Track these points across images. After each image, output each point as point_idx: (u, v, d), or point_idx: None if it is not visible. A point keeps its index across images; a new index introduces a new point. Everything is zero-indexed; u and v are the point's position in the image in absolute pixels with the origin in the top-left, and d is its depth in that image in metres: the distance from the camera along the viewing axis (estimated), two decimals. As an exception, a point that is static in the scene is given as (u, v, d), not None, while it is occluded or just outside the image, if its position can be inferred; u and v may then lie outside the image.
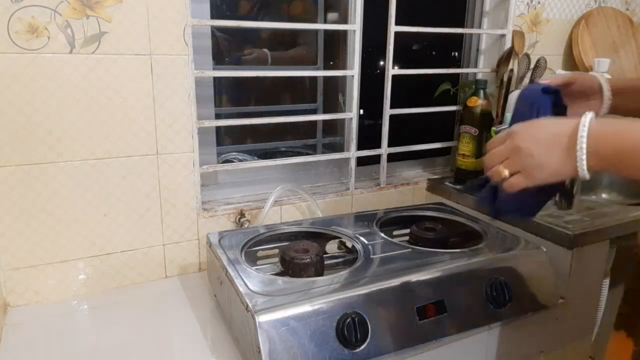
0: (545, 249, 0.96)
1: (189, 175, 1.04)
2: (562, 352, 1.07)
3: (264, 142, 1.45)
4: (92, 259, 0.98)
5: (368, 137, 1.33)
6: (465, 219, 1.11)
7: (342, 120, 1.34)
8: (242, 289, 0.76)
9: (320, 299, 0.74)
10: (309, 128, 1.49)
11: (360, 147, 1.27)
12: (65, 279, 0.96)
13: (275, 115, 1.20)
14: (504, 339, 0.92)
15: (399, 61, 1.28)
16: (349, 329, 0.72)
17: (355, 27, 1.19)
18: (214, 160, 1.17)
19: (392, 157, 1.35)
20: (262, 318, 0.69)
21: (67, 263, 0.96)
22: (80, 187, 0.94)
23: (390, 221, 1.11)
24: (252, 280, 0.79)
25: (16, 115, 0.86)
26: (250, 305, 0.71)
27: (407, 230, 1.07)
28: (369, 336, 0.74)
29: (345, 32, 1.28)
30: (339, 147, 1.38)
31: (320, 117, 1.39)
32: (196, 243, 1.08)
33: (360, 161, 1.31)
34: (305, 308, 0.72)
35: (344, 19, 1.28)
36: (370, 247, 0.93)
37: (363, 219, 1.09)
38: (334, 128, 1.45)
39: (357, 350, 0.73)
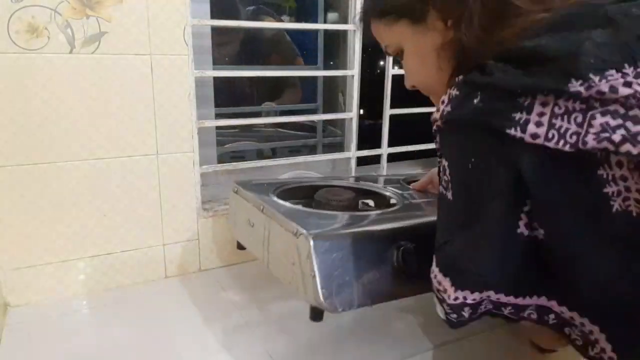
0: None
1: (189, 175, 1.04)
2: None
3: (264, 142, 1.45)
4: (92, 259, 0.98)
5: (368, 137, 1.33)
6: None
7: (342, 120, 1.34)
8: (286, 217, 0.72)
9: (375, 226, 0.72)
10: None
11: (360, 147, 1.27)
12: (65, 279, 0.96)
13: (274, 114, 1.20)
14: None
15: (399, 61, 1.28)
16: (405, 257, 0.69)
17: (355, 27, 1.19)
18: (214, 160, 1.17)
19: (392, 157, 1.35)
20: (316, 239, 0.66)
21: (67, 263, 0.96)
22: (80, 187, 0.94)
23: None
24: (292, 213, 0.75)
25: (16, 115, 0.86)
26: (302, 229, 0.67)
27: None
28: (424, 266, 0.69)
29: (345, 32, 1.28)
30: (339, 147, 1.38)
31: (320, 117, 1.39)
32: (196, 243, 1.08)
33: (361, 161, 1.31)
34: (360, 234, 0.69)
35: (344, 19, 1.28)
36: (407, 195, 0.91)
37: (389, 181, 1.04)
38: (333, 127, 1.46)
39: (413, 279, 0.70)
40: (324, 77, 1.42)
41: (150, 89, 0.96)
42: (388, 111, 1.28)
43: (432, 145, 1.37)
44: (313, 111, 1.51)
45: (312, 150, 1.49)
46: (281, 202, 0.81)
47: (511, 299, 0.55)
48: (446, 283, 0.57)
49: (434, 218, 0.69)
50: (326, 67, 1.41)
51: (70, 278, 0.96)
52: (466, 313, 0.57)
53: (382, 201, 0.95)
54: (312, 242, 0.65)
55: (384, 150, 1.31)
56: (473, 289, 0.55)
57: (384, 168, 1.32)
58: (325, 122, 1.47)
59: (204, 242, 1.08)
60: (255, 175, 1.22)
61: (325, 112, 1.45)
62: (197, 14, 1.02)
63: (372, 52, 1.42)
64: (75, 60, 0.88)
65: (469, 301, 0.56)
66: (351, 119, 1.25)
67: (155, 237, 1.03)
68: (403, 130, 1.37)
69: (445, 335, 0.81)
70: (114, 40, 0.90)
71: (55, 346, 0.82)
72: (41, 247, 0.93)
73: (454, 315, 0.58)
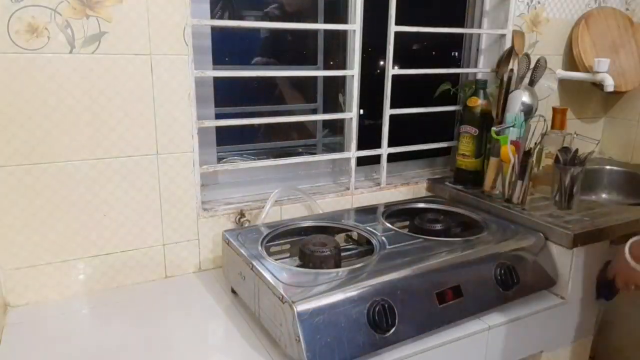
0: (542, 234, 1.02)
1: (189, 175, 1.04)
2: (562, 352, 1.07)
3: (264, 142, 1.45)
4: (92, 259, 0.98)
5: (368, 137, 1.33)
6: (464, 209, 1.16)
7: (342, 120, 1.34)
8: (272, 281, 0.79)
9: (351, 287, 0.78)
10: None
11: (360, 147, 1.27)
12: (65, 279, 0.96)
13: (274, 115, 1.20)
14: (506, 337, 0.93)
15: (399, 61, 1.28)
16: (379, 315, 0.77)
17: (355, 27, 1.19)
18: (214, 160, 1.17)
19: (392, 157, 1.35)
20: (300, 308, 0.72)
21: (67, 263, 0.96)
22: (80, 187, 0.94)
23: (392, 214, 1.15)
24: (279, 273, 0.82)
25: (16, 115, 0.86)
26: (286, 296, 0.74)
27: (407, 223, 1.13)
28: (397, 321, 0.78)
29: (345, 32, 1.28)
30: (339, 147, 1.37)
31: (320, 117, 1.39)
32: (196, 243, 1.08)
33: (361, 161, 1.31)
34: (339, 297, 0.76)
35: (343, 19, 1.28)
36: (384, 239, 0.97)
37: (367, 212, 1.13)
38: (333, 128, 1.45)
39: (387, 334, 0.77)
40: (324, 77, 1.42)
41: (150, 89, 0.96)
42: (388, 111, 1.28)
43: (431, 145, 1.38)
44: (313, 111, 1.50)
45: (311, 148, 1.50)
46: (268, 259, 0.88)
47: None
48: None
49: (406, 272, 0.83)
50: (326, 67, 1.41)
51: (70, 278, 0.96)
52: None
53: (363, 240, 1.04)
54: (296, 310, 0.72)
55: (384, 150, 1.31)
56: None
57: (383, 168, 1.32)
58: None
59: (204, 242, 1.08)
60: (255, 175, 1.22)
61: (325, 112, 1.45)
62: (197, 14, 1.02)
63: (372, 52, 1.42)
64: (75, 60, 0.88)
65: None
66: (351, 118, 1.25)
67: (155, 237, 1.03)
68: (403, 130, 1.37)
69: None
70: (114, 40, 0.90)
71: (55, 346, 0.82)
72: (41, 247, 0.93)
73: None
